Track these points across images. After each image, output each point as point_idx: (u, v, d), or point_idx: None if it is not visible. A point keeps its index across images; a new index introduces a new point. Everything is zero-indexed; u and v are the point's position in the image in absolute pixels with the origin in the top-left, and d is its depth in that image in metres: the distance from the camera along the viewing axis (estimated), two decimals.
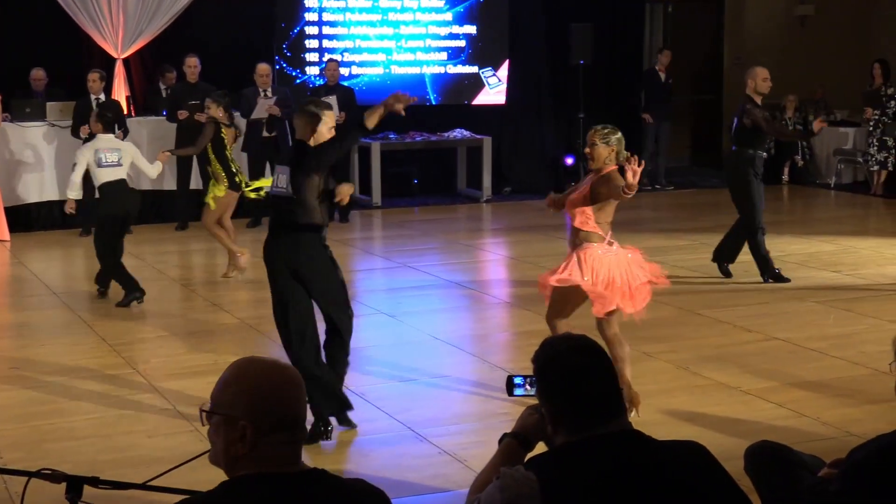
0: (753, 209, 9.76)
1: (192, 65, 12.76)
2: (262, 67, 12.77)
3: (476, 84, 15.49)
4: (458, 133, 14.96)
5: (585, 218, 6.18)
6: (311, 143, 6.00)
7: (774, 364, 7.28)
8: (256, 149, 12.77)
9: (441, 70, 15.33)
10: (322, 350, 6.17)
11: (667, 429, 5.72)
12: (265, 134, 12.74)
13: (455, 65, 15.39)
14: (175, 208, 13.08)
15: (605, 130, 6.20)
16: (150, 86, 14.12)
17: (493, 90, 15.56)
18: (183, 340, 8.08)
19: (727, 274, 9.96)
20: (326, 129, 6.01)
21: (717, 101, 17.83)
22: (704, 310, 8.76)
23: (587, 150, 6.28)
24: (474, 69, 15.45)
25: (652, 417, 6.06)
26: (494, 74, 15.53)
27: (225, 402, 2.48)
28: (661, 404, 6.44)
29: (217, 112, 10.15)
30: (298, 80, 14.61)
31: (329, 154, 5.95)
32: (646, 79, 16.14)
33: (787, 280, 9.71)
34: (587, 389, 2.73)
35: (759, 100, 9.64)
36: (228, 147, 10.14)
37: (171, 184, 13.14)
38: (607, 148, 6.16)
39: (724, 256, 10.01)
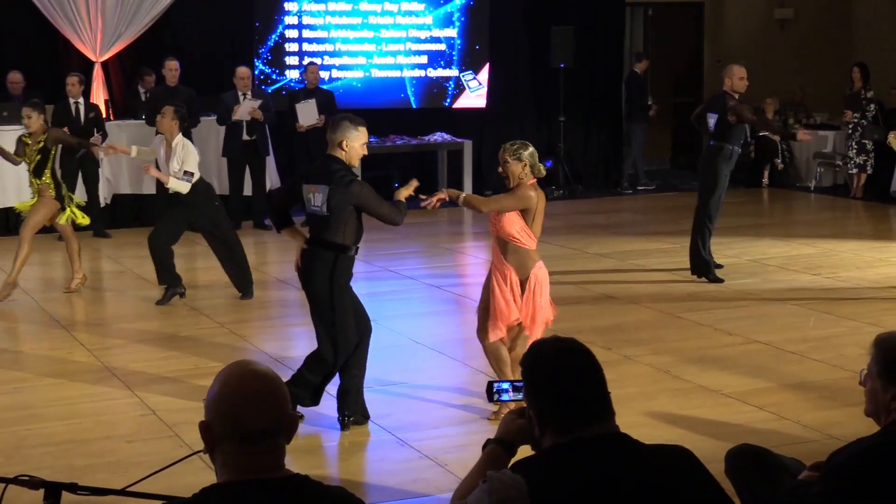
0: (711, 200, 9.82)
1: (172, 68, 12.72)
2: (242, 71, 12.75)
3: (457, 87, 15.50)
4: (439, 136, 14.97)
5: (527, 235, 6.18)
6: (343, 157, 6.03)
7: (755, 367, 7.30)
8: (236, 153, 12.74)
9: (421, 73, 15.32)
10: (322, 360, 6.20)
11: (648, 431, 5.73)
12: (245, 137, 12.70)
13: (436, 68, 15.39)
14: (155, 212, 13.01)
15: (514, 146, 6.20)
16: (129, 89, 14.08)
17: (474, 93, 15.56)
18: (163, 345, 8.05)
19: (717, 279, 9.92)
20: (359, 144, 6.07)
21: (696, 103, 17.80)
22: (685, 313, 8.78)
23: (500, 169, 6.28)
24: (455, 72, 15.46)
25: (633, 420, 6.07)
26: (475, 78, 15.54)
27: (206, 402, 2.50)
28: (642, 407, 6.45)
29: (38, 122, 9.49)
30: (278, 84, 14.59)
31: (368, 206, 6.03)
32: (630, 82, 16.22)
33: (721, 280, 9.83)
34: (574, 390, 2.73)
35: (736, 97, 9.70)
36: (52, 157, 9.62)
37: (150, 187, 13.09)
38: (519, 164, 6.14)
39: (702, 266, 9.98)
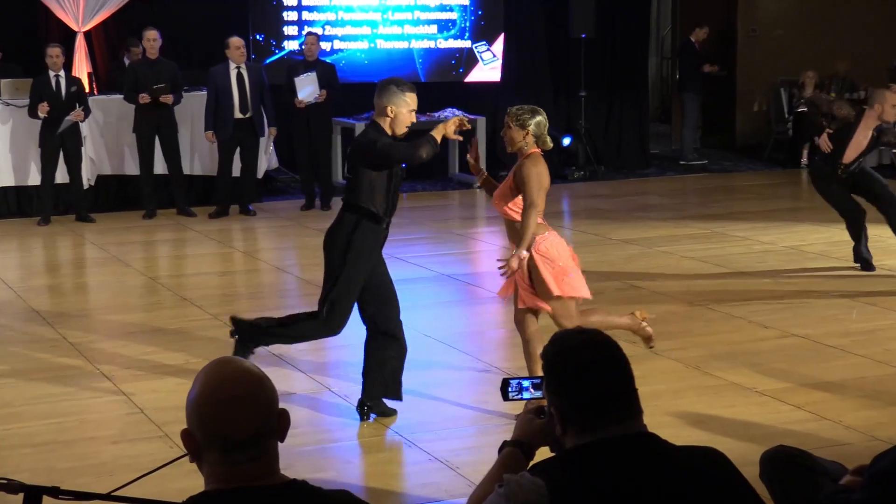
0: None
1: (151, 38, 12.63)
2: (235, 41, 12.71)
3: (469, 60, 15.48)
4: (450, 113, 14.93)
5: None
6: (388, 127, 6.08)
7: (792, 363, 7.29)
8: (227, 132, 12.63)
9: (431, 44, 15.31)
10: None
11: (675, 432, 5.73)
12: (238, 115, 12.64)
13: (446, 39, 15.36)
14: (140, 194, 13.04)
15: (521, 112, 6.16)
16: (115, 62, 14.09)
17: (488, 66, 15.55)
18: (150, 338, 8.07)
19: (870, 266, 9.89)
20: (407, 111, 6.11)
21: (729, 77, 17.84)
22: (716, 304, 8.77)
23: (501, 132, 6.32)
24: (467, 43, 15.43)
25: (659, 420, 6.07)
26: (489, 49, 15.52)
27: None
28: (669, 406, 6.45)
29: None
30: (275, 56, 14.59)
31: (393, 157, 6.03)
32: (684, 52, 16.35)
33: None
34: (599, 386, 2.73)
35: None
36: None
37: (132, 168, 13.10)
38: (521, 131, 6.12)
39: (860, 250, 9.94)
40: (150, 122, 12.55)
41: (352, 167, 6.14)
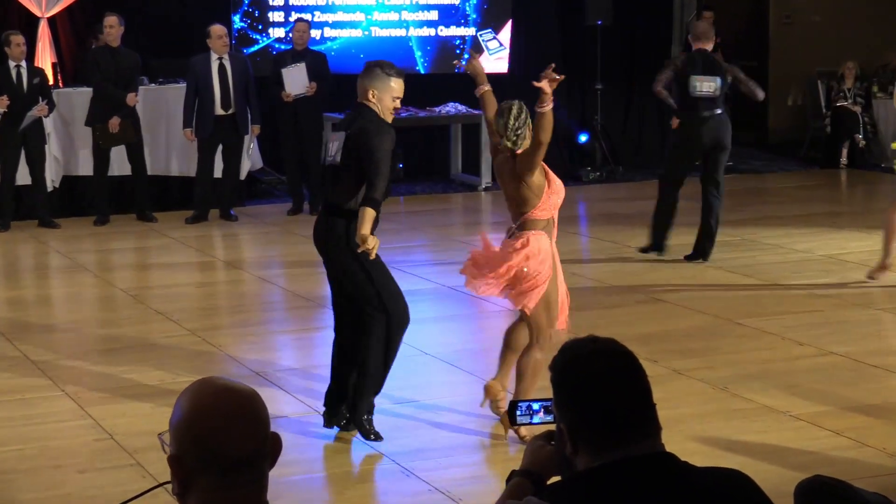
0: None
1: (109, 24, 12.52)
2: (217, 29, 12.72)
3: (473, 49, 15.47)
4: (452, 108, 14.96)
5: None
6: (375, 108, 6.14)
7: (830, 384, 7.29)
8: (207, 130, 12.60)
9: (431, 32, 15.32)
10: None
11: (701, 460, 5.68)
12: (220, 112, 12.63)
13: (448, 26, 15.39)
14: (93, 199, 12.97)
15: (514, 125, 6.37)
16: (81, 51, 14.10)
17: (494, 56, 15.56)
18: (122, 356, 8.07)
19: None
20: (390, 97, 6.18)
21: (761, 67, 17.85)
22: (746, 318, 8.77)
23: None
24: (471, 31, 15.46)
25: (683, 446, 6.06)
26: (495, 38, 15.54)
27: (169, 431, 2.48)
28: (694, 431, 6.44)
29: None
30: (260, 45, 14.61)
31: (373, 156, 6.03)
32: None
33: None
34: (614, 400, 2.71)
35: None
36: None
37: (87, 168, 13.01)
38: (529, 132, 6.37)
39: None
40: (103, 114, 12.40)
41: (347, 159, 6.16)
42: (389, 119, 6.25)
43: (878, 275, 9.63)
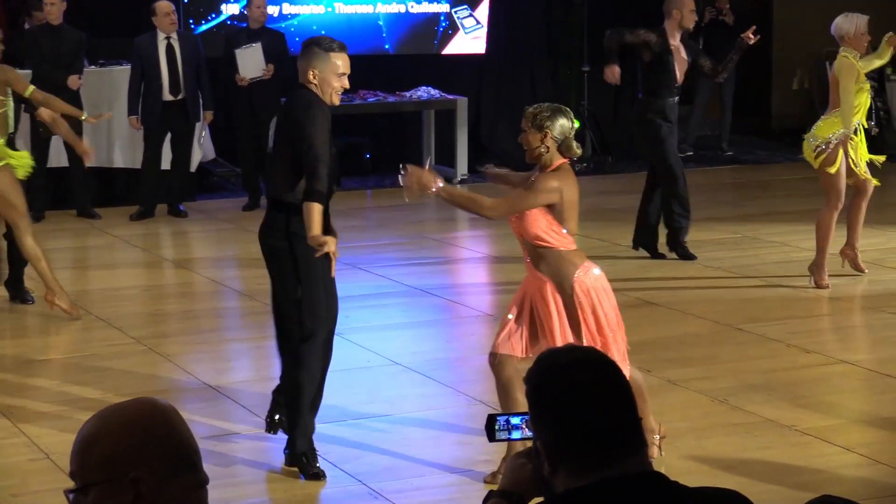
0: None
1: (50, 2, 12.54)
2: (164, 6, 12.69)
3: (447, 28, 15.50)
4: (424, 92, 14.96)
5: (557, 234, 6.02)
6: (317, 91, 6.09)
7: (840, 395, 7.32)
8: (154, 118, 12.56)
9: (400, 9, 15.32)
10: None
11: (698, 479, 5.70)
12: (168, 97, 12.59)
13: (419, 2, 15.39)
14: (27, 193, 12.90)
15: (538, 111, 5.96)
16: (14, 30, 14.04)
17: (470, 35, 15.57)
18: (60, 368, 8.05)
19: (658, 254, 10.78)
20: (334, 75, 6.11)
21: (764, 47, 17.88)
22: (748, 324, 8.80)
23: (519, 138, 6.14)
24: (444, 7, 15.46)
25: (679, 464, 6.09)
26: (471, 15, 15.54)
27: (96, 463, 2.47)
28: (691, 447, 6.46)
29: None
30: (211, 23, 14.57)
31: (319, 172, 5.95)
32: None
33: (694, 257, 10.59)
34: (596, 415, 2.72)
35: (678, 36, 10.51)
36: None
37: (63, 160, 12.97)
38: (538, 134, 5.93)
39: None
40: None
41: (279, 147, 6.16)
42: (336, 102, 6.17)
43: None
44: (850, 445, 6.51)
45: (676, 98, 10.70)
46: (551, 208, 5.97)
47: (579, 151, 6.09)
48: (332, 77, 6.09)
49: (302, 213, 5.87)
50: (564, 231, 6.00)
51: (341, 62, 6.12)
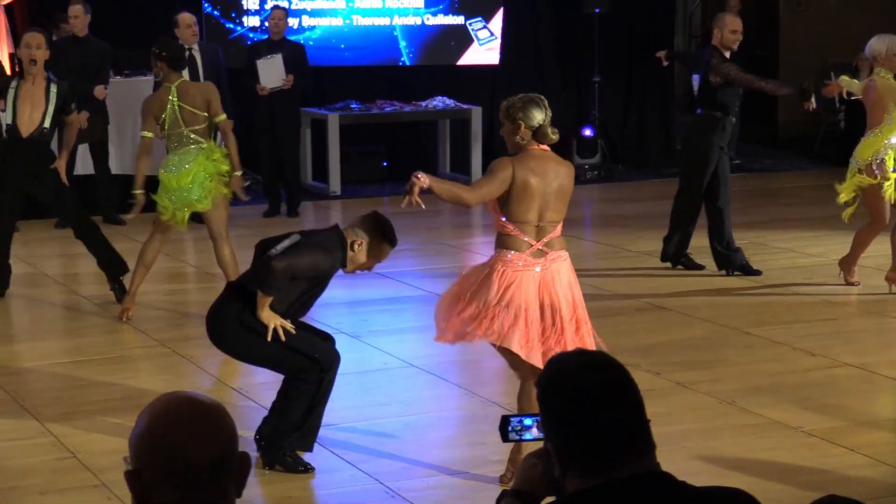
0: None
1: (76, 14, 12.51)
2: (186, 18, 12.71)
3: (462, 39, 15.50)
4: (440, 102, 14.97)
5: (497, 217, 6.08)
6: (348, 249, 6.17)
7: (845, 397, 7.30)
8: None
9: (417, 21, 15.33)
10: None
11: (706, 479, 5.69)
12: None
13: (435, 14, 15.39)
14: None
15: (508, 102, 6.00)
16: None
17: (484, 47, 15.57)
18: (86, 369, 8.06)
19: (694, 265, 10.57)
20: (372, 259, 6.25)
21: (771, 57, 17.89)
22: (754, 328, 8.78)
23: (501, 131, 6.18)
24: (459, 20, 15.46)
25: (687, 465, 6.07)
26: (485, 27, 15.55)
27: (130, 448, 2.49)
28: (699, 448, 6.45)
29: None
30: (233, 34, 14.60)
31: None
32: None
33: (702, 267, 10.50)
34: (605, 417, 2.72)
35: (726, 55, 10.19)
36: None
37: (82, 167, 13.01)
38: (511, 125, 5.96)
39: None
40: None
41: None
42: (351, 271, 6.26)
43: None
44: (856, 446, 6.49)
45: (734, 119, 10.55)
46: (507, 192, 5.96)
47: (555, 137, 6.04)
48: (368, 259, 6.23)
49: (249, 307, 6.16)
50: (504, 219, 5.98)
51: (384, 256, 6.27)
